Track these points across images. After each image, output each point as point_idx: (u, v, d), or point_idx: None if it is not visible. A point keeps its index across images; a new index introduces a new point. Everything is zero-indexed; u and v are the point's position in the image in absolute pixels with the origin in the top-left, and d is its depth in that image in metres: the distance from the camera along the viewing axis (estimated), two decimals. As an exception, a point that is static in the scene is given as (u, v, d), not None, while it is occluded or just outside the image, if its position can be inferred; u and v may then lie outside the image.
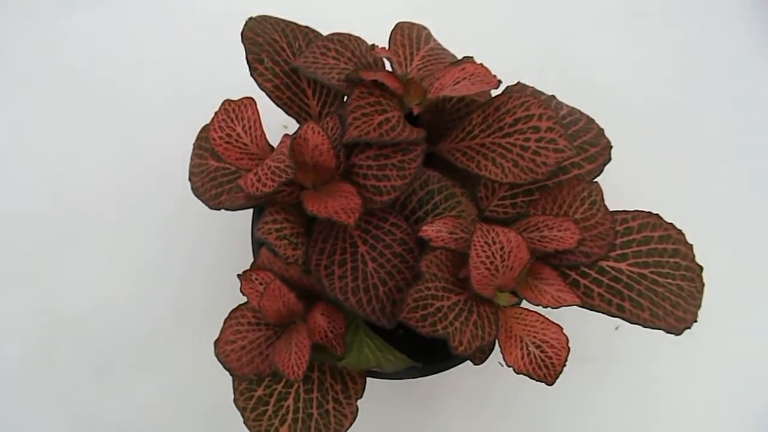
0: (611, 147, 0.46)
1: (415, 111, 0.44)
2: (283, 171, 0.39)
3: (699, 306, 0.43)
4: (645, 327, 0.41)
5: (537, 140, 0.43)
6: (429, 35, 0.51)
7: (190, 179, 0.49)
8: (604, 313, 0.41)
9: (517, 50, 0.68)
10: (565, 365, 0.40)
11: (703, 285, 0.44)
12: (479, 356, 0.44)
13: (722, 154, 0.69)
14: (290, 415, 0.44)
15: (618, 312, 0.41)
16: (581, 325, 0.60)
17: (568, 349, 0.40)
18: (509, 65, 0.51)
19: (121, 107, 0.69)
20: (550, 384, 0.40)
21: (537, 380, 0.40)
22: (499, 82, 0.43)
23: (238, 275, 0.43)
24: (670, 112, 0.70)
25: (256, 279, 0.42)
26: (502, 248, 0.40)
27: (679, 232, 0.44)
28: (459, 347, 0.40)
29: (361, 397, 0.44)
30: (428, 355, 0.48)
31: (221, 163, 0.47)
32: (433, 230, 0.42)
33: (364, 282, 0.42)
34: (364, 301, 0.42)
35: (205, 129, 0.50)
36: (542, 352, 0.40)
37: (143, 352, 0.62)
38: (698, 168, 0.68)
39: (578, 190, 0.43)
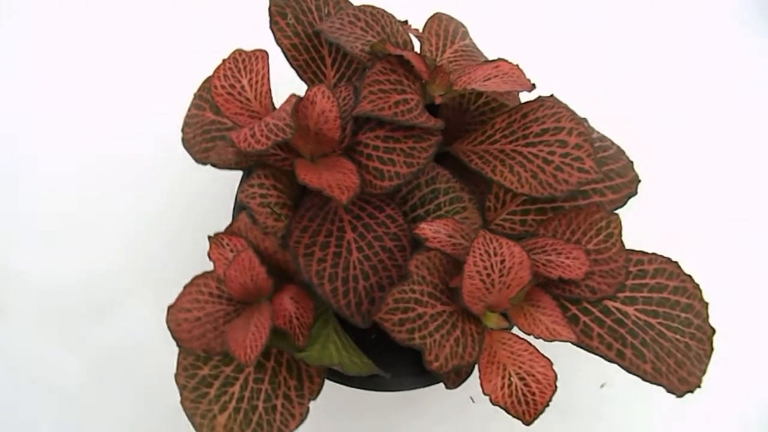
0: (639, 181, 0.42)
1: (438, 101, 0.41)
2: (281, 130, 0.35)
3: (704, 371, 0.39)
4: (644, 380, 0.36)
5: (562, 155, 0.39)
6: (466, 33, 0.48)
7: (183, 129, 0.45)
8: (602, 356, 0.37)
9: (555, 67, 0.64)
10: (548, 404, 0.35)
11: (712, 349, 0.40)
12: (454, 379, 0.40)
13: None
14: (233, 404, 0.39)
15: (617, 358, 0.37)
16: (567, 374, 0.56)
17: (556, 387, 0.35)
18: (543, 81, 0.48)
19: (127, 54, 0.66)
20: (528, 423, 0.35)
21: (514, 416, 0.35)
22: (533, 86, 0.39)
23: (209, 237, 0.39)
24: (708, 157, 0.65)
25: (228, 244, 0.38)
26: (503, 262, 0.36)
27: (696, 286, 0.40)
28: (434, 362, 0.35)
29: (315, 398, 0.39)
30: (398, 369, 0.44)
31: (219, 117, 0.43)
32: (431, 230, 0.38)
33: (345, 271, 0.38)
34: (340, 291, 0.37)
35: (209, 80, 0.46)
36: (526, 385, 0.35)
37: (106, 308, 0.57)
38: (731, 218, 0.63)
39: (596, 218, 0.39)
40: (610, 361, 0.37)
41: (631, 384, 0.38)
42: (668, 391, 0.36)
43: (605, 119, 0.48)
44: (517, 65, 0.41)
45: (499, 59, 0.41)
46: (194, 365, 0.39)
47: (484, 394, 0.35)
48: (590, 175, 0.38)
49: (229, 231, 0.39)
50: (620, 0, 0.74)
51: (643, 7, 0.73)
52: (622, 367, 0.37)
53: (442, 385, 0.40)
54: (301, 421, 0.39)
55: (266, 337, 0.35)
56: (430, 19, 0.46)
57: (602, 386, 0.59)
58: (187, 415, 0.39)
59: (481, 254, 0.35)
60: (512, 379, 0.35)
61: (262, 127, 0.36)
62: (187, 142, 0.43)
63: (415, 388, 0.44)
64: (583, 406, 0.57)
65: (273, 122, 0.36)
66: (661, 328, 0.39)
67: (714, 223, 0.63)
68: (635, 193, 0.41)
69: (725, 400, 0.56)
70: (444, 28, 0.46)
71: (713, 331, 0.40)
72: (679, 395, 0.36)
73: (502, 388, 0.35)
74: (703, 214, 0.63)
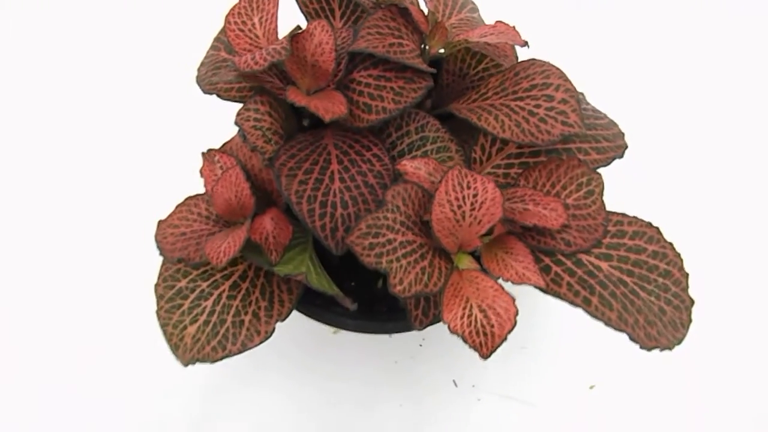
0: (626, 147, 0.42)
1: (432, 51, 0.43)
2: (278, 52, 0.38)
3: (680, 340, 0.38)
4: (608, 326, 0.35)
5: (547, 109, 0.40)
6: (475, 8, 0.51)
7: (198, 69, 0.48)
8: (568, 302, 0.37)
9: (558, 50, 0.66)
10: (505, 339, 0.35)
11: (690, 320, 0.39)
12: (421, 319, 0.40)
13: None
14: (203, 317, 0.40)
15: (583, 304, 0.36)
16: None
17: (515, 322, 0.35)
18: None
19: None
20: (485, 357, 0.35)
21: (471, 347, 0.35)
22: (526, 42, 0.41)
23: (202, 153, 0.41)
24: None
25: (218, 161, 0.40)
26: (475, 195, 0.37)
27: (677, 255, 0.39)
28: (398, 286, 0.36)
29: (282, 320, 0.40)
30: (372, 315, 0.44)
31: (231, 56, 0.46)
32: (412, 166, 0.39)
33: (324, 196, 0.39)
34: (316, 213, 0.39)
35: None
36: (485, 317, 0.35)
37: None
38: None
39: (577, 173, 0.40)
40: (575, 306, 0.36)
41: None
42: (631, 339, 0.35)
43: (603, 97, 0.49)
44: (514, 26, 0.42)
45: (498, 21, 0.43)
46: (173, 277, 0.41)
47: (444, 322, 0.36)
48: (573, 129, 0.39)
49: (221, 149, 0.41)
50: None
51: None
52: (587, 313, 0.36)
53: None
54: (265, 338, 0.39)
55: (240, 245, 0.37)
56: (438, -6, 0.49)
57: (592, 387, 0.57)
58: (159, 324, 0.40)
59: (454, 185, 0.36)
60: (473, 310, 0.35)
61: (262, 51, 0.39)
62: (199, 79, 0.46)
63: (383, 332, 0.44)
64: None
65: (272, 47, 0.38)
66: (634, 287, 0.38)
67: (703, 198, 0.63)
68: (621, 156, 0.42)
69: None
70: (453, 0, 0.49)
71: (692, 301, 0.39)
72: (644, 348, 0.35)
73: (462, 318, 0.35)
74: (693, 190, 0.64)
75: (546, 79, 0.41)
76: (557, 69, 0.41)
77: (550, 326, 0.61)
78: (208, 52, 0.49)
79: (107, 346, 0.58)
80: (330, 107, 0.38)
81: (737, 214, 0.65)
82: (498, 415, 0.57)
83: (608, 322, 0.36)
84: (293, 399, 0.57)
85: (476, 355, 0.58)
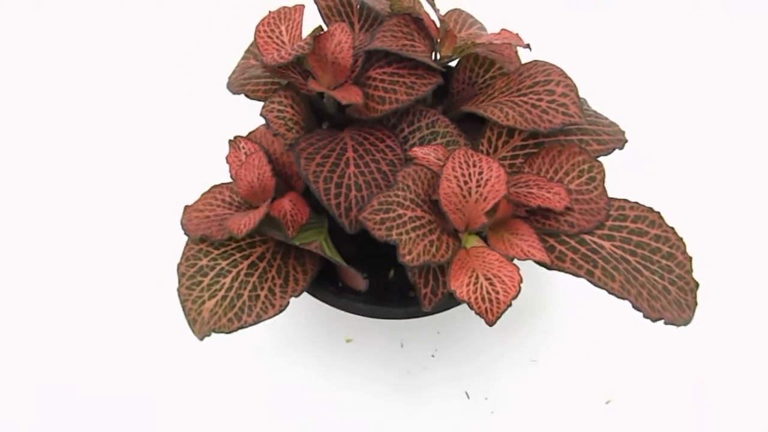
0: (626, 140, 0.45)
1: (443, 55, 0.46)
2: (301, 47, 0.42)
3: (686, 321, 0.38)
4: (611, 294, 0.36)
5: (549, 102, 0.43)
6: (483, 27, 0.55)
7: (229, 76, 0.53)
8: (571, 274, 0.38)
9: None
10: (510, 305, 0.36)
11: (696, 303, 0.39)
12: (430, 297, 0.41)
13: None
14: (221, 293, 0.42)
15: (586, 275, 0.37)
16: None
17: (520, 288, 0.36)
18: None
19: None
20: (491, 323, 0.36)
21: (477, 313, 0.36)
22: (528, 45, 0.45)
23: (229, 140, 0.45)
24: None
25: (243, 147, 0.44)
26: (480, 173, 0.39)
27: (680, 239, 0.41)
28: (407, 256, 0.38)
29: (297, 296, 0.42)
30: (385, 302, 0.46)
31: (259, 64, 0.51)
32: (422, 151, 0.42)
33: (340, 178, 0.42)
34: (332, 192, 0.41)
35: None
36: (491, 284, 0.36)
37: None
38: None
39: (578, 160, 0.42)
40: (579, 276, 0.37)
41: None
42: (634, 308, 0.36)
43: (604, 103, 0.52)
44: (517, 33, 0.46)
45: (503, 29, 0.47)
46: (195, 256, 0.43)
47: (451, 290, 0.37)
48: (573, 119, 0.42)
49: (247, 137, 0.45)
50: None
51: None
52: (591, 282, 0.37)
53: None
54: (279, 311, 0.41)
55: (260, 218, 0.39)
56: (450, 11, 0.53)
57: (608, 402, 0.57)
58: (180, 300, 0.42)
59: (460, 162, 0.39)
60: (479, 279, 0.37)
61: (287, 47, 0.43)
62: (229, 83, 0.51)
63: (395, 318, 0.45)
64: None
65: (297, 44, 0.43)
66: (637, 265, 0.39)
67: (702, 192, 0.66)
68: (621, 147, 0.44)
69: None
70: (462, 18, 0.53)
71: (697, 284, 0.40)
72: (648, 318, 0.36)
73: (468, 285, 0.37)
74: (692, 184, 0.67)
75: (547, 76, 0.44)
76: (558, 67, 0.44)
77: (561, 340, 0.61)
78: (239, 62, 0.53)
79: (130, 331, 0.61)
80: (347, 95, 0.42)
81: (737, 209, 0.66)
82: (511, 429, 0.56)
83: (611, 291, 0.37)
84: (305, 407, 0.57)
85: (489, 366, 0.58)
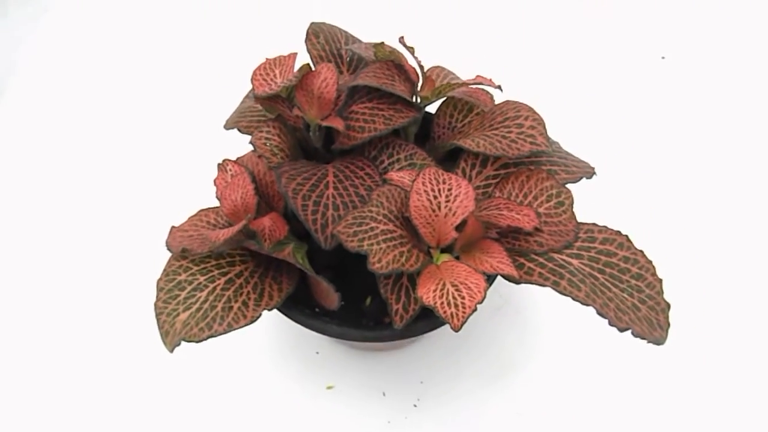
0: (594, 173, 0.47)
1: (421, 96, 0.50)
2: (290, 80, 0.46)
3: (659, 341, 0.38)
4: (576, 301, 0.36)
5: (518, 133, 0.45)
6: (458, 79, 0.59)
7: (228, 118, 0.57)
8: (538, 285, 0.38)
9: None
10: (475, 310, 0.36)
11: (668, 323, 0.39)
12: (401, 313, 0.41)
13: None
14: (196, 305, 0.42)
15: (552, 285, 0.38)
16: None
17: (485, 295, 0.36)
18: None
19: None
20: (456, 328, 0.36)
21: (443, 319, 0.36)
22: (499, 86, 0.48)
23: (218, 164, 0.47)
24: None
25: (230, 169, 0.46)
26: (449, 189, 0.41)
27: (649, 261, 0.41)
28: (376, 264, 0.39)
29: (269, 310, 0.42)
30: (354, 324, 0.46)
31: (255, 104, 0.55)
32: (398, 175, 0.44)
33: (318, 198, 0.44)
34: (309, 208, 0.43)
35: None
36: (457, 290, 0.37)
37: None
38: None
39: (546, 185, 0.44)
40: (544, 286, 0.38)
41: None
42: (599, 314, 0.36)
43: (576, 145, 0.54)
44: (490, 78, 0.50)
45: (477, 75, 0.51)
46: (175, 272, 0.44)
47: (417, 297, 0.37)
48: (540, 147, 0.44)
49: (235, 161, 0.48)
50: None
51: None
52: (556, 291, 0.37)
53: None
54: (251, 322, 0.41)
55: (239, 229, 0.41)
56: (432, 67, 0.58)
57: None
58: (155, 313, 0.43)
59: (430, 179, 0.41)
60: (446, 285, 0.37)
61: (277, 80, 0.47)
62: (227, 123, 0.55)
63: (367, 340, 0.45)
64: None
65: (286, 77, 0.47)
66: (606, 282, 0.40)
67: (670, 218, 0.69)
68: (590, 177, 0.46)
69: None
70: (444, 73, 0.58)
71: (668, 305, 0.40)
72: (614, 326, 0.36)
73: (434, 291, 0.37)
74: (659, 211, 0.70)
75: (517, 112, 0.47)
76: (527, 105, 0.47)
77: (548, 392, 0.59)
78: (238, 106, 0.58)
79: (113, 341, 0.63)
80: (330, 122, 0.45)
81: (702, 237, 0.69)
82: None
83: (575, 298, 0.37)
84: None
85: (473, 419, 0.56)
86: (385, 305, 0.46)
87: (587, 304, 0.36)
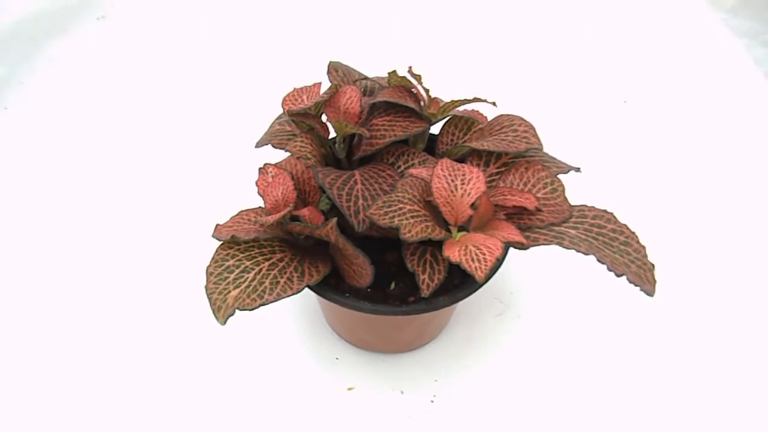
0: (579, 170, 0.55)
1: (428, 114, 0.59)
2: (321, 97, 0.54)
3: (649, 292, 0.45)
4: (579, 252, 0.43)
5: (514, 136, 0.54)
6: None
7: (260, 139, 0.64)
8: (544, 245, 0.45)
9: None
10: (495, 262, 0.43)
11: (655, 279, 0.46)
12: (428, 282, 0.47)
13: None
14: (245, 284, 0.48)
15: (557, 244, 0.45)
16: None
17: (504, 252, 0.43)
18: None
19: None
20: (480, 279, 0.42)
21: (468, 271, 0.43)
22: (494, 102, 0.58)
23: (259, 168, 0.54)
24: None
25: (270, 171, 0.53)
26: (463, 175, 0.49)
27: (633, 233, 0.49)
28: (407, 234, 0.45)
29: (312, 285, 0.48)
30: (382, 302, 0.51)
31: (284, 127, 0.63)
32: (416, 170, 0.52)
33: (350, 189, 0.51)
34: (344, 197, 0.50)
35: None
36: (478, 249, 0.44)
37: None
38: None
39: (542, 175, 0.52)
40: (550, 245, 0.45)
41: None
42: (599, 261, 0.43)
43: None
44: (485, 98, 0.60)
45: (475, 96, 0.61)
46: (223, 259, 0.50)
47: (444, 256, 0.44)
48: (534, 146, 0.53)
49: (275, 165, 0.55)
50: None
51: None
52: (561, 246, 0.44)
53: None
54: (296, 292, 0.47)
55: (286, 212, 0.48)
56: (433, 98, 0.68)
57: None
58: (206, 294, 0.48)
59: (447, 167, 0.49)
60: (469, 247, 0.44)
61: (305, 102, 0.55)
62: (258, 142, 0.62)
63: (396, 314, 0.50)
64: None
65: (317, 95, 0.55)
66: (600, 246, 0.47)
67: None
68: (578, 170, 0.54)
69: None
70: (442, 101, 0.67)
71: (653, 265, 0.47)
72: (613, 271, 0.43)
73: (459, 250, 0.44)
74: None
75: (511, 122, 0.56)
76: (519, 116, 0.57)
77: (542, 391, 0.64)
78: (267, 129, 0.66)
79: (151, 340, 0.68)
80: (357, 129, 0.53)
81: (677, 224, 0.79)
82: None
83: (578, 250, 0.44)
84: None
85: (488, 413, 0.60)
86: (408, 289, 0.52)
87: (588, 254, 0.44)
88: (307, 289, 0.49)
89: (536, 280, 0.73)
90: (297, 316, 0.70)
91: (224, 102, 1.02)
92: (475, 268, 0.43)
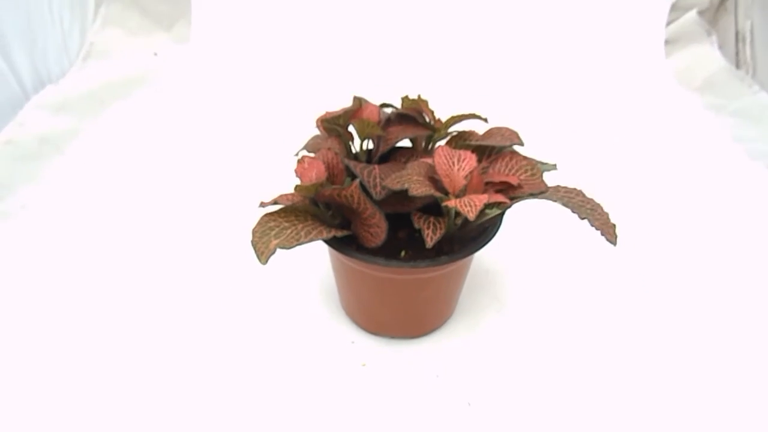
0: (556, 168, 0.68)
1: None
2: (348, 108, 0.70)
3: (613, 242, 0.57)
4: (554, 202, 0.55)
5: (502, 138, 0.68)
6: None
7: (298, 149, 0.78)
8: (526, 198, 0.57)
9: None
10: (482, 207, 0.55)
11: (616, 235, 0.58)
12: (431, 236, 0.59)
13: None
14: (284, 235, 0.59)
15: (538, 196, 0.57)
16: None
17: (488, 200, 0.55)
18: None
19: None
20: (472, 218, 0.54)
21: (461, 212, 0.55)
22: (486, 119, 0.72)
23: (298, 159, 0.68)
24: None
25: (306, 160, 0.67)
26: (459, 156, 0.62)
27: (598, 204, 0.61)
28: (416, 191, 0.58)
29: (339, 237, 0.59)
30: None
31: (318, 141, 0.78)
32: (423, 159, 0.66)
33: (370, 170, 0.64)
34: (365, 174, 0.63)
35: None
36: (470, 200, 0.56)
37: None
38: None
39: (523, 163, 0.65)
40: (533, 197, 0.57)
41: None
42: (572, 211, 0.55)
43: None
44: (479, 114, 0.75)
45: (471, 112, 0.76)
46: (266, 222, 0.62)
47: (443, 204, 0.56)
48: (518, 143, 0.67)
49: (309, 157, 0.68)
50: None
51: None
52: (541, 198, 0.56)
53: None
54: (327, 238, 0.58)
55: (322, 181, 0.61)
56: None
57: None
58: (252, 244, 0.60)
59: (446, 151, 0.62)
60: (463, 199, 0.56)
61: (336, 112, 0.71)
62: (297, 152, 0.76)
63: (406, 268, 0.61)
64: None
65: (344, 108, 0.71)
66: (573, 207, 0.59)
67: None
68: (554, 168, 0.67)
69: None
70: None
71: (614, 225, 0.59)
72: (578, 215, 0.54)
73: (456, 201, 0.56)
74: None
75: (499, 131, 0.70)
76: (506, 127, 0.71)
77: (539, 384, 0.72)
78: (304, 143, 0.80)
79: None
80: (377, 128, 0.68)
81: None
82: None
83: (554, 200, 0.56)
84: (318, 428, 0.65)
85: (488, 380, 0.68)
86: (415, 257, 0.64)
87: (556, 201, 0.55)
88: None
89: (536, 280, 0.83)
90: (317, 306, 0.80)
91: (260, 131, 1.21)
92: (467, 210, 0.54)
